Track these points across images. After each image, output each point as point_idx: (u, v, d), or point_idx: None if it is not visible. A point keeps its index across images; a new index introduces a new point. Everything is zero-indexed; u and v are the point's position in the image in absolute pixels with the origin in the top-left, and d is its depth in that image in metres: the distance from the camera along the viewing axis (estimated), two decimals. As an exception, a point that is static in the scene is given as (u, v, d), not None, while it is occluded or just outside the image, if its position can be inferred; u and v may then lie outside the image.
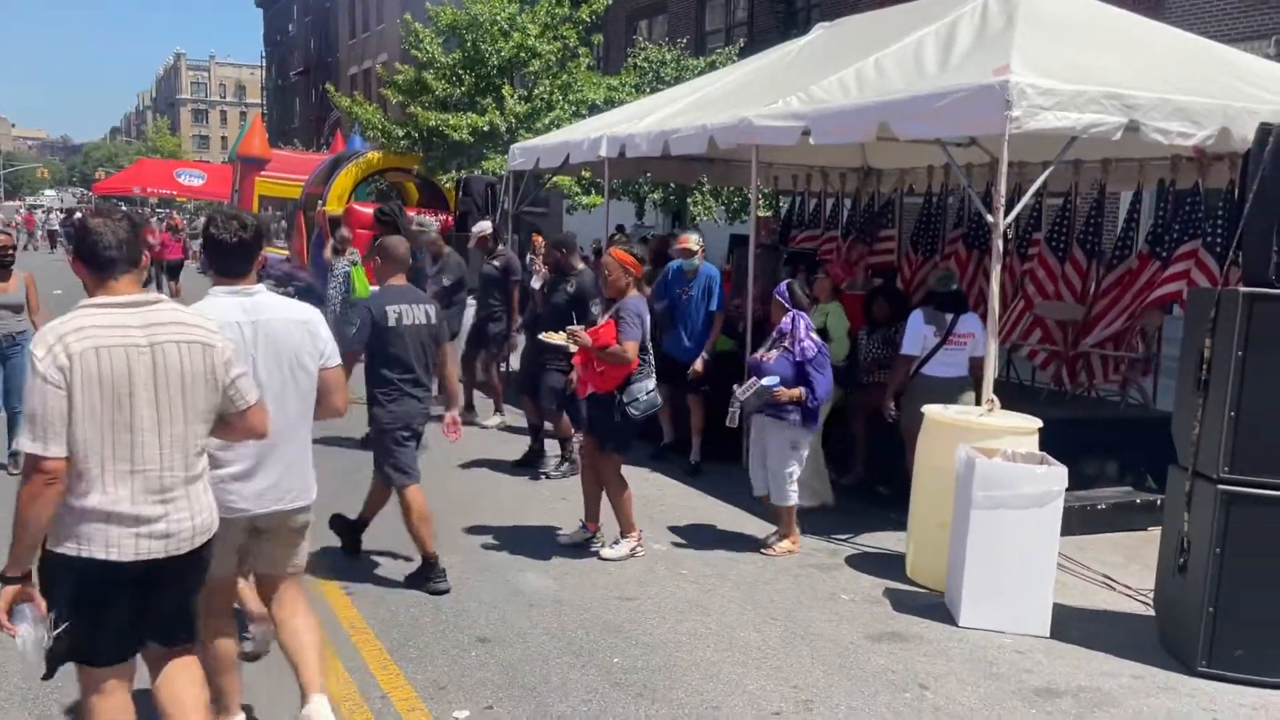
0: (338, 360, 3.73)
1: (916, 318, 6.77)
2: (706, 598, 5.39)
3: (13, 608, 2.86)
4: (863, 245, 10.95)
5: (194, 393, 2.98)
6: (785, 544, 6.14)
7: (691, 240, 7.93)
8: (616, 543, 5.98)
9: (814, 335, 6.06)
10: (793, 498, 6.05)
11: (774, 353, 6.03)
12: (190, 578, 3.11)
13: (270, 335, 3.53)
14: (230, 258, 3.52)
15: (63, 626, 2.90)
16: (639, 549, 5.99)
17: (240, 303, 3.51)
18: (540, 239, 14.53)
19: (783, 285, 6.28)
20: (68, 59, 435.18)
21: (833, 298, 8.01)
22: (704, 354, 7.79)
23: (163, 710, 3.13)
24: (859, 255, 10.81)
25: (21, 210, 50.50)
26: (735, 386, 6.02)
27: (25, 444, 2.78)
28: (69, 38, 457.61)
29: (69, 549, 2.87)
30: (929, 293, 7.15)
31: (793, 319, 6.05)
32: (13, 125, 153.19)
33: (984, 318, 6.30)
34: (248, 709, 3.82)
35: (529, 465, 7.92)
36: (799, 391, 5.87)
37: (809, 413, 5.96)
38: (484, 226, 9.64)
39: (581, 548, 6.04)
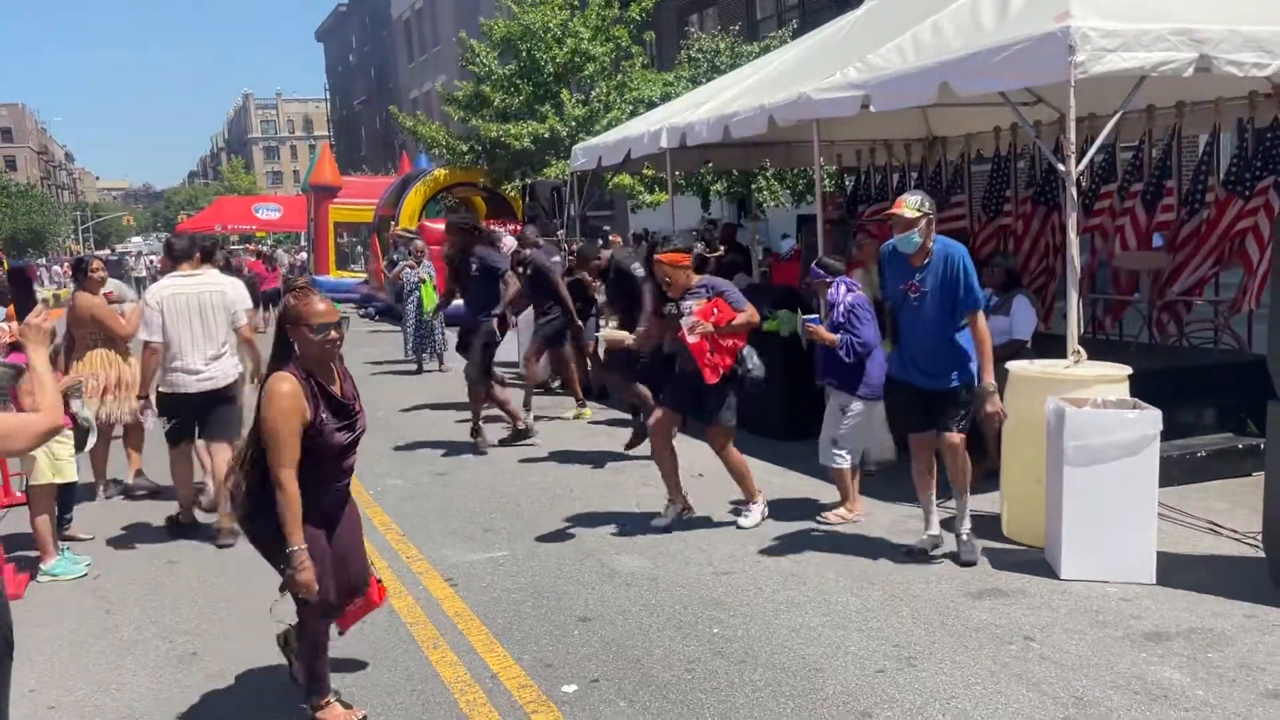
0: (244, 317, 6.41)
1: (1026, 305, 6.85)
2: (801, 567, 5.41)
3: (145, 409, 6.67)
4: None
5: (218, 312, 6.26)
6: (840, 510, 6.14)
7: (908, 204, 5.11)
8: (747, 512, 6.14)
9: (854, 293, 6.11)
10: (838, 461, 6.09)
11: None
12: (224, 403, 6.31)
13: (199, 297, 6.28)
14: (180, 254, 6.43)
15: (171, 424, 6.39)
16: (766, 511, 6.17)
17: (186, 279, 6.33)
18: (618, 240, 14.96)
19: (813, 265, 6.43)
20: (143, 111, 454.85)
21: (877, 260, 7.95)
22: (987, 385, 5.11)
23: (210, 466, 6.42)
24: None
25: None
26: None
27: (144, 335, 6.20)
28: (142, 90, 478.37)
29: (165, 388, 6.28)
30: (1011, 271, 7.21)
31: (834, 286, 6.18)
32: (97, 178, 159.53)
33: (1048, 273, 6.18)
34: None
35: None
36: (835, 338, 5.98)
37: (850, 371, 6.00)
38: (510, 243, 9.92)
39: (676, 527, 6.12)
